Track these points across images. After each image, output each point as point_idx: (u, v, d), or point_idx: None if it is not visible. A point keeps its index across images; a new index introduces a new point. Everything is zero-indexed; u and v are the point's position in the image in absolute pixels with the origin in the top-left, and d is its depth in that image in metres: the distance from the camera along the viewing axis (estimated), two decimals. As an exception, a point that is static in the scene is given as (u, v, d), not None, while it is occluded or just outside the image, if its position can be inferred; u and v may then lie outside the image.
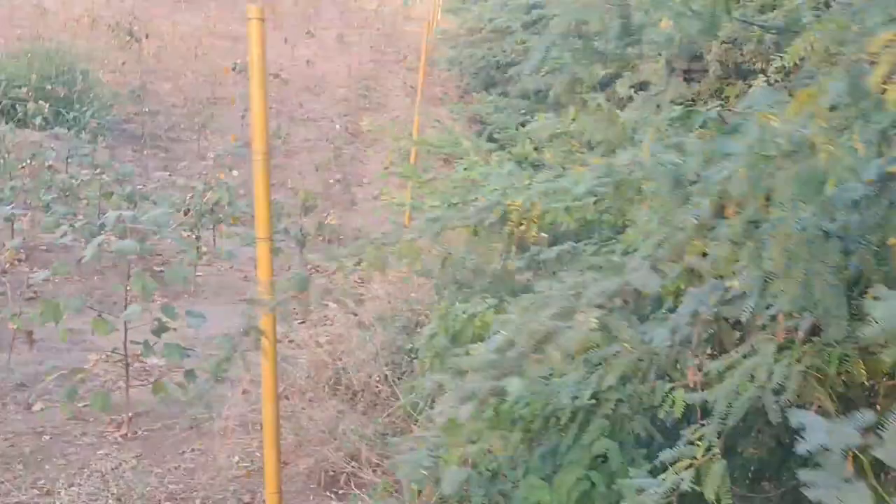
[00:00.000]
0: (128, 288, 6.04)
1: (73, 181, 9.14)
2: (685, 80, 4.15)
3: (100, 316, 5.76)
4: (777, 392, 2.43)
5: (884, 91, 1.83)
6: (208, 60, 20.63)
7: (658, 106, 3.87)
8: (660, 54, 3.56)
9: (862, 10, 2.06)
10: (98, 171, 9.10)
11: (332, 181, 13.66)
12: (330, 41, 25.50)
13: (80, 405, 6.06)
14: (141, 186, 10.71)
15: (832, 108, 1.92)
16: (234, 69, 18.99)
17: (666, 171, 2.60)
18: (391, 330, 6.83)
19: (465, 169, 5.97)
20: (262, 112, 4.78)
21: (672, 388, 2.93)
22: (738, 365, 2.55)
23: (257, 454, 5.47)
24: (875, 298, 1.73)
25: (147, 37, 19.98)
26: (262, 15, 4.83)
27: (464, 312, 5.18)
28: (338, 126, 17.15)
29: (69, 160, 10.52)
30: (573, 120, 4.26)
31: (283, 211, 10.35)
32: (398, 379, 6.12)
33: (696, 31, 3.16)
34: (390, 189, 7.25)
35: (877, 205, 2.23)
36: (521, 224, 3.42)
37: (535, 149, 5.14)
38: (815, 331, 2.45)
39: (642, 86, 4.19)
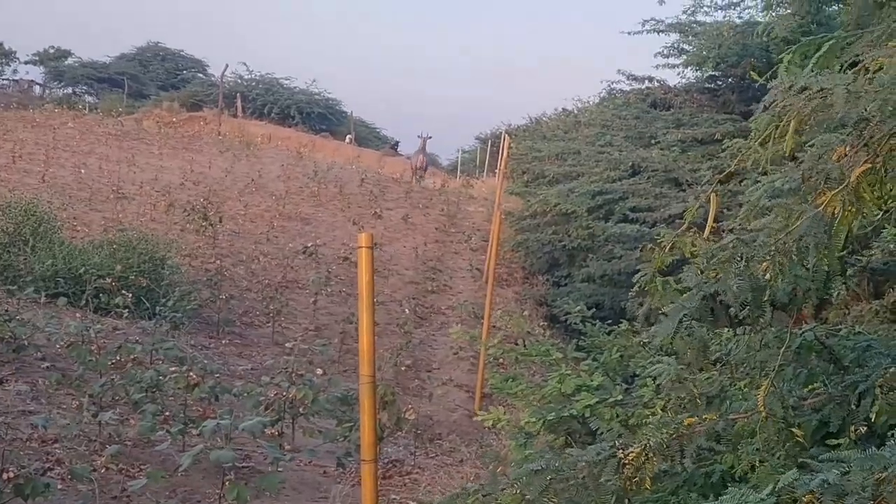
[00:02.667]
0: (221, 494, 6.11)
1: (161, 377, 9.32)
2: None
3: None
4: None
5: None
6: (279, 243, 21.19)
7: (762, 340, 3.96)
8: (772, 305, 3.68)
9: None
10: (185, 367, 9.28)
11: (403, 367, 13.75)
12: (396, 222, 26.08)
13: None
14: (220, 377, 10.88)
15: None
16: (304, 252, 19.47)
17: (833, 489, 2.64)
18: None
19: (558, 382, 6.07)
20: (369, 337, 4.92)
21: None
22: None
23: None
24: None
25: (221, 220, 20.60)
26: (370, 243, 5.03)
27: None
28: (406, 310, 17.37)
29: (153, 353, 10.75)
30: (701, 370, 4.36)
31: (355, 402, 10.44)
32: None
33: (814, 290, 3.29)
34: (487, 411, 7.26)
35: None
36: (635, 477, 3.46)
37: (656, 390, 5.21)
38: None
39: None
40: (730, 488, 3.13)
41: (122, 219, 19.59)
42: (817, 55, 3.76)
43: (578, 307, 8.62)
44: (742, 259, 3.41)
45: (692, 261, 4.00)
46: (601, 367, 6.67)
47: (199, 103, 54.04)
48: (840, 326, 5.89)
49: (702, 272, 3.67)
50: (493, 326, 14.01)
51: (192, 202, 21.33)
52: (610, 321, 9.17)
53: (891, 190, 3.35)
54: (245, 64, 60.07)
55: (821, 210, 3.24)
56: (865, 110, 3.32)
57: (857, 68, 3.68)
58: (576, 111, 32.57)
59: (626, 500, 3.60)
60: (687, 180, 18.17)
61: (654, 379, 5.15)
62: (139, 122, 41.54)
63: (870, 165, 3.16)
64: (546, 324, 16.56)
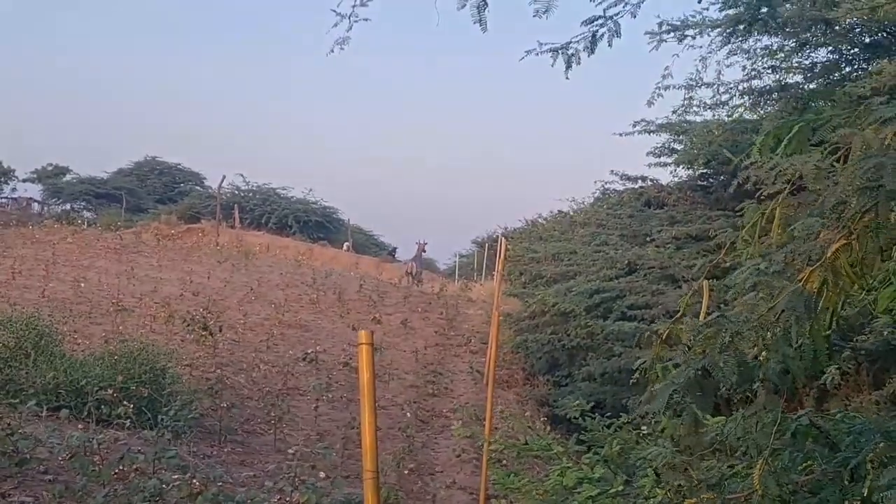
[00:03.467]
0: None
1: (163, 486, 9.30)
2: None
3: None
4: None
5: None
6: (279, 351, 21.24)
7: (757, 423, 4.04)
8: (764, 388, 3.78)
9: None
10: (187, 475, 9.28)
11: (406, 471, 13.70)
12: (395, 326, 26.17)
13: None
14: (223, 484, 10.85)
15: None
16: (304, 359, 19.51)
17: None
18: None
19: (558, 475, 6.11)
20: (371, 433, 5.00)
21: None
22: None
23: None
24: None
25: (221, 329, 20.66)
26: (370, 340, 5.14)
27: None
28: (408, 414, 17.36)
29: (156, 462, 10.72)
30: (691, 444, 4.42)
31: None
32: None
33: (802, 369, 3.39)
34: None
35: None
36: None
37: (657, 480, 5.26)
38: None
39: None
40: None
41: (123, 331, 19.64)
42: (788, 136, 3.91)
43: (578, 402, 8.69)
44: (727, 334, 3.52)
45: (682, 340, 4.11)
46: (602, 460, 6.70)
47: (196, 215, 54.55)
48: (837, 411, 5.97)
49: (689, 349, 3.78)
50: (495, 428, 14.02)
51: (191, 312, 21.40)
52: (611, 418, 9.23)
53: (872, 270, 3.47)
54: (242, 175, 60.71)
55: (801, 286, 3.35)
56: (844, 194, 3.46)
57: (827, 149, 3.83)
58: (571, 212, 32.97)
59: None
60: (683, 276, 18.35)
61: (654, 468, 5.20)
62: (138, 235, 41.88)
63: (845, 241, 3.28)
64: (548, 424, 16.55)
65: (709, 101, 20.54)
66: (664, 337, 4.51)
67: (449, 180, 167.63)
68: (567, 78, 6.29)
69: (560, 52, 6.27)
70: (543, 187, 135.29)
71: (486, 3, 5.89)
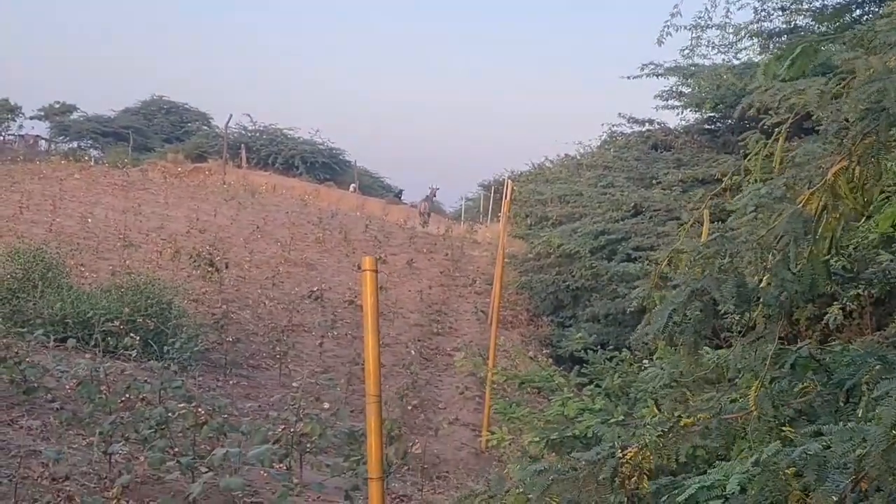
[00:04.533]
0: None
1: (169, 414, 9.39)
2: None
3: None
4: None
5: None
6: (285, 288, 21.34)
7: (756, 352, 4.08)
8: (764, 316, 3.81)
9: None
10: (193, 405, 9.36)
11: (410, 407, 13.81)
12: (401, 267, 26.23)
13: None
14: (228, 416, 10.95)
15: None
16: (309, 297, 19.60)
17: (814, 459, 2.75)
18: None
19: (560, 405, 6.19)
20: (374, 357, 5.04)
21: None
22: None
23: None
24: None
25: (227, 266, 20.75)
26: (375, 266, 5.16)
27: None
28: (412, 352, 17.46)
29: (162, 392, 10.82)
30: (689, 371, 4.48)
31: (363, 438, 10.49)
32: None
33: (801, 294, 3.42)
34: (492, 432, 7.37)
35: None
36: (633, 476, 3.57)
37: (655, 400, 5.32)
38: None
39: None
40: (717, 465, 3.25)
41: (129, 265, 19.73)
42: (791, 57, 3.90)
43: (580, 335, 8.74)
44: (726, 255, 3.55)
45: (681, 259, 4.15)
46: (603, 392, 6.77)
47: (203, 155, 54.37)
48: (837, 344, 6.01)
49: (689, 269, 3.81)
50: (498, 366, 14.11)
51: (197, 249, 21.48)
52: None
53: (871, 196, 3.49)
54: (249, 115, 60.38)
55: (800, 208, 3.38)
56: (847, 120, 3.47)
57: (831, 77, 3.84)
58: (578, 155, 32.83)
59: (625, 497, 3.71)
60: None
61: (653, 398, 5.26)
62: (144, 173, 41.84)
63: (845, 164, 3.30)
64: (551, 363, 16.64)
65: (717, 42, 20.33)
66: (664, 264, 4.54)
67: (455, 126, 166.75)
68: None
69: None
70: (551, 132, 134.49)
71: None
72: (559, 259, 20.33)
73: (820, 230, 3.43)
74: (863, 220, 4.25)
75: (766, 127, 4.92)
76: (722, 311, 3.85)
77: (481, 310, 22.17)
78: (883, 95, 3.11)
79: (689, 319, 3.73)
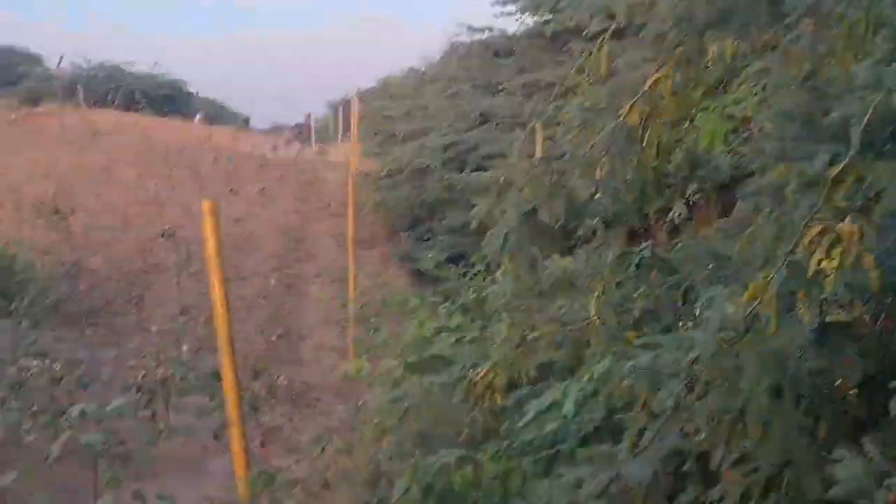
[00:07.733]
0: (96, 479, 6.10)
1: (24, 373, 9.16)
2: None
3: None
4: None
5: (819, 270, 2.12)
6: (137, 229, 20.82)
7: (600, 256, 4.17)
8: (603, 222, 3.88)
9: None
10: (47, 360, 9.15)
11: (274, 338, 13.76)
12: (253, 196, 25.86)
13: None
14: (85, 366, 10.73)
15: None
16: (162, 236, 19.15)
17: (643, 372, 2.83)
18: (356, 487, 6.93)
19: (418, 327, 6.23)
20: (222, 301, 4.99)
21: None
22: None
23: None
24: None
25: (73, 212, 20.07)
26: (215, 210, 5.07)
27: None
28: (273, 282, 17.34)
29: (14, 351, 10.52)
30: (531, 286, 4.53)
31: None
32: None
33: (632, 202, 3.50)
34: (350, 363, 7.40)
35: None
36: (486, 394, 3.64)
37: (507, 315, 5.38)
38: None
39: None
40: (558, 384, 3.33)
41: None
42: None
43: (431, 254, 8.80)
44: (553, 174, 3.59)
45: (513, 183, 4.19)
46: (460, 307, 6.85)
47: (38, 99, 52.16)
48: (678, 242, 6.16)
49: (520, 191, 3.85)
50: (361, 289, 14.13)
51: (40, 198, 20.72)
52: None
53: (693, 98, 3.56)
54: (83, 56, 58.07)
55: (622, 121, 3.43)
56: (664, 26, 3.52)
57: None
58: (423, 68, 32.61)
59: (480, 416, 3.77)
60: (535, 124, 18.47)
61: (502, 310, 5.34)
62: (-29, 121, 39.90)
63: (663, 73, 3.36)
64: (413, 279, 16.75)
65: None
66: (500, 181, 4.58)
67: (297, 54, 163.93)
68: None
69: None
70: (396, 49, 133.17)
71: None
72: (412, 174, 20.34)
73: (646, 139, 3.49)
74: (686, 123, 4.33)
75: (588, 36, 4.95)
76: (557, 225, 3.91)
77: (339, 232, 22.09)
78: (694, 4, 3.17)
79: (525, 237, 3.79)
